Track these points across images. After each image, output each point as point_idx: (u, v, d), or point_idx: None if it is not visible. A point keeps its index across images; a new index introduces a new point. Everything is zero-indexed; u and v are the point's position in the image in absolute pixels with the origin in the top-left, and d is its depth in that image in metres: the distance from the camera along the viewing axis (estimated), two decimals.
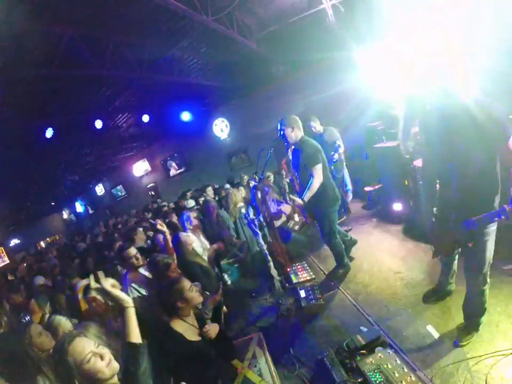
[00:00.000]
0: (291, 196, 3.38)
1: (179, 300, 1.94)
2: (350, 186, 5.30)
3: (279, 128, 3.43)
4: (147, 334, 1.44)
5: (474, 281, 2.12)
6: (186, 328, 1.95)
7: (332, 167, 4.98)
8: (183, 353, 1.85)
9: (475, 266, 2.07)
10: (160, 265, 2.76)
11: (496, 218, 1.73)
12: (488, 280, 2.13)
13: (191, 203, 5.75)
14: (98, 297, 2.51)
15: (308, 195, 3.19)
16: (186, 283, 2.02)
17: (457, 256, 2.52)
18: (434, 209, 2.14)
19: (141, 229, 4.66)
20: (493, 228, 1.93)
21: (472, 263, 2.09)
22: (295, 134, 3.37)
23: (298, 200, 3.24)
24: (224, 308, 3.57)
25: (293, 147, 3.53)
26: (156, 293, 2.07)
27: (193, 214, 4.01)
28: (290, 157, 3.81)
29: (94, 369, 1.27)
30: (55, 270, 5.23)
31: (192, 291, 2.01)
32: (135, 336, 1.37)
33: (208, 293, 2.96)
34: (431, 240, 2.35)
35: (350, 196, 5.40)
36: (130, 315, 1.40)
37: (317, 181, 3.20)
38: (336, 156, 4.87)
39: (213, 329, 2.11)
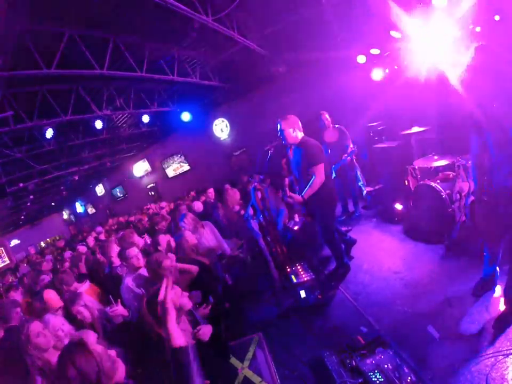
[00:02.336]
0: (290, 193, 3.36)
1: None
2: (362, 181, 5.31)
3: (278, 128, 3.41)
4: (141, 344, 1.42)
5: None
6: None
7: (346, 166, 5.05)
8: (177, 358, 1.82)
9: None
10: (151, 264, 2.73)
11: None
12: None
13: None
14: (83, 309, 2.53)
15: (308, 193, 3.19)
16: (176, 290, 1.97)
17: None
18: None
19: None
20: None
21: None
22: (296, 134, 3.36)
23: (298, 197, 3.24)
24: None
25: (293, 147, 3.52)
26: (145, 302, 2.01)
27: (190, 215, 4.03)
28: (291, 157, 3.81)
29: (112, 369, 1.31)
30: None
31: (183, 297, 1.97)
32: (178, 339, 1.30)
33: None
34: (479, 225, 2.34)
35: (365, 190, 5.40)
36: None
37: (318, 179, 3.20)
38: (349, 158, 4.92)
39: (205, 330, 2.07)
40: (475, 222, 2.32)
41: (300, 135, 3.39)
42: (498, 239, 2.25)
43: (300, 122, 3.42)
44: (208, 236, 4.08)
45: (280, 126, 3.38)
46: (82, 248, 6.25)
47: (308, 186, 3.21)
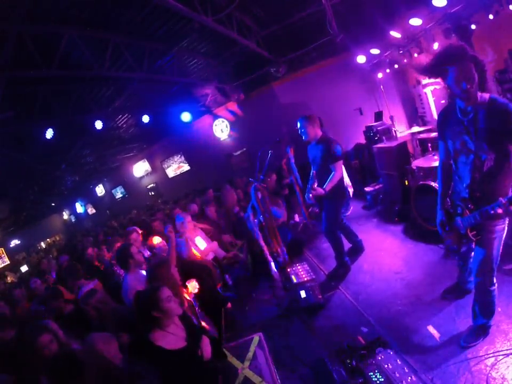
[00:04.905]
0: (314, 186, 3.51)
1: (155, 310, 1.83)
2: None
3: (299, 125, 3.58)
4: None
5: (481, 280, 2.08)
6: (167, 338, 1.86)
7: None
8: (168, 365, 1.78)
9: (481, 264, 2.03)
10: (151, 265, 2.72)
11: (492, 211, 1.70)
12: (495, 281, 2.09)
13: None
14: (91, 310, 2.54)
15: (329, 186, 3.37)
16: (165, 293, 1.89)
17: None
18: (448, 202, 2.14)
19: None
20: (501, 226, 1.92)
21: (478, 260, 2.04)
22: (316, 131, 3.56)
23: (320, 190, 3.37)
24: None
25: (311, 143, 3.66)
26: (134, 302, 1.94)
27: (187, 218, 4.04)
28: (309, 153, 3.88)
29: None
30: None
31: (170, 301, 1.88)
32: None
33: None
34: (440, 232, 2.28)
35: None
36: None
37: (338, 174, 3.43)
38: None
39: (206, 348, 2.00)
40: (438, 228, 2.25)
41: (320, 132, 3.59)
42: (459, 245, 2.20)
43: (318, 120, 3.62)
44: (203, 241, 4.11)
45: (302, 123, 3.56)
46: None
47: (328, 180, 3.39)
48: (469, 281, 2.59)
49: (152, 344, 1.79)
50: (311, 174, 3.84)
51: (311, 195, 3.62)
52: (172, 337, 1.87)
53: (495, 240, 1.93)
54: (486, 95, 1.74)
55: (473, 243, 2.02)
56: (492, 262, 2.00)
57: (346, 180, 5.28)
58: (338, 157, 3.45)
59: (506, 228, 1.94)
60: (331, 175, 3.41)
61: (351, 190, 5.29)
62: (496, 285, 2.10)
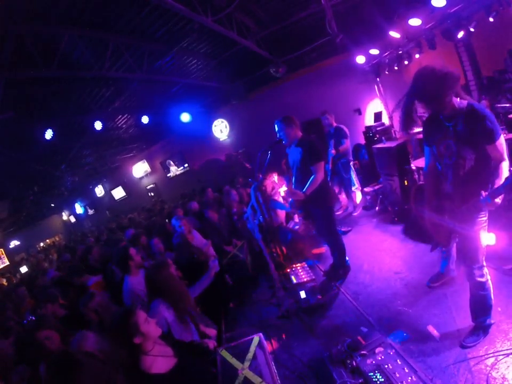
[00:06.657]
0: (292, 189, 3.36)
1: (136, 336, 1.65)
2: (356, 185, 5.46)
3: (277, 129, 3.43)
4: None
5: (471, 272, 2.16)
6: (158, 362, 1.71)
7: (340, 166, 5.25)
8: None
9: (469, 255, 2.14)
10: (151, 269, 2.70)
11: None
12: (486, 272, 2.16)
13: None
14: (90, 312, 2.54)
15: (309, 189, 3.19)
16: (141, 315, 1.75)
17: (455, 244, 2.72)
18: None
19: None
20: (483, 218, 2.05)
21: (465, 253, 2.16)
22: (295, 132, 3.39)
23: (299, 194, 3.22)
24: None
25: (291, 146, 3.50)
26: (109, 328, 1.79)
27: (182, 220, 4.05)
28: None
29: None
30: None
31: (148, 323, 1.74)
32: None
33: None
34: (430, 231, 2.38)
35: (358, 195, 5.53)
36: None
37: (319, 176, 3.21)
38: (333, 152, 5.12)
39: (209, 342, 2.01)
40: (426, 227, 2.38)
41: (299, 133, 3.42)
42: (448, 242, 2.41)
43: (297, 121, 3.44)
44: (199, 238, 4.11)
45: (279, 126, 3.40)
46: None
47: (308, 183, 3.20)
48: (452, 269, 2.86)
49: (148, 375, 1.64)
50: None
51: (291, 200, 3.40)
52: (161, 360, 1.73)
53: (480, 231, 2.06)
54: (465, 102, 1.91)
55: (459, 236, 2.17)
56: (477, 252, 2.10)
57: (354, 180, 5.38)
58: (319, 158, 3.25)
59: (487, 219, 2.08)
60: (311, 178, 3.21)
61: (358, 192, 5.42)
62: (487, 277, 2.17)
